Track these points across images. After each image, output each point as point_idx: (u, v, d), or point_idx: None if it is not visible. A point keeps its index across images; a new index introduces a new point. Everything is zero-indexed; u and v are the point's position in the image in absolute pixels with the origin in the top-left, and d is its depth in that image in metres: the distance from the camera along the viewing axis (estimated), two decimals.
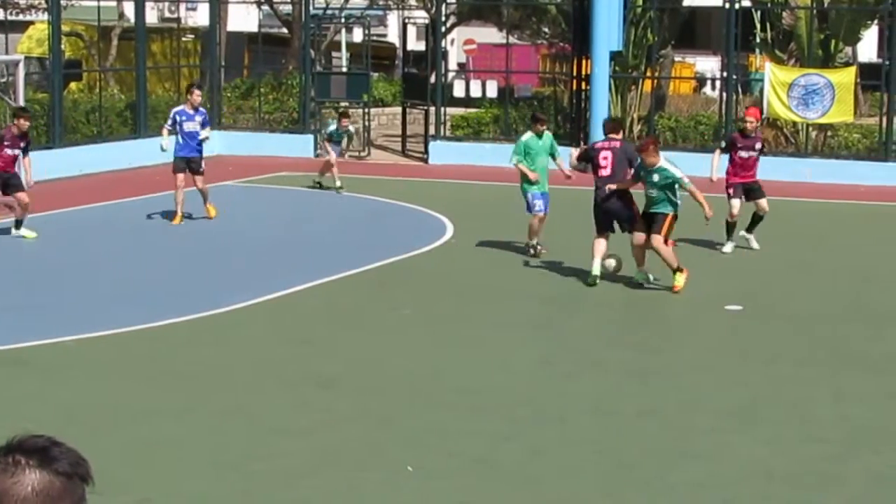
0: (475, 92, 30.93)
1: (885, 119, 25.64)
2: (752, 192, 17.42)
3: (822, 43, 27.18)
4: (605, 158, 15.27)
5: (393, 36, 48.79)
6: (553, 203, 17.05)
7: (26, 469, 2.39)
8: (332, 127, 23.42)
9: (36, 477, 2.39)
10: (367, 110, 29.13)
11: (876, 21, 29.85)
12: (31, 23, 33.58)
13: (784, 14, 28.38)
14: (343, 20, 34.25)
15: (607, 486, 8.67)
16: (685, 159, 24.55)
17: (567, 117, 27.87)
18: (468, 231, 18.75)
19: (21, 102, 19.90)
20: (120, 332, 12.57)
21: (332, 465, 8.89)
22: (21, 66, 20.25)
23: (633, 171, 15.11)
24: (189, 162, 19.10)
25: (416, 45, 32.45)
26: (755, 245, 17.34)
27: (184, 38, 33.33)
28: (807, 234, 17.74)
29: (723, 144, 18.00)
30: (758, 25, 28.99)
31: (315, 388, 10.84)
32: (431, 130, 27.92)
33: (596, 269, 14.98)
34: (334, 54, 38.29)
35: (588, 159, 15.70)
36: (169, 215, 19.39)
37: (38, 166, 21.22)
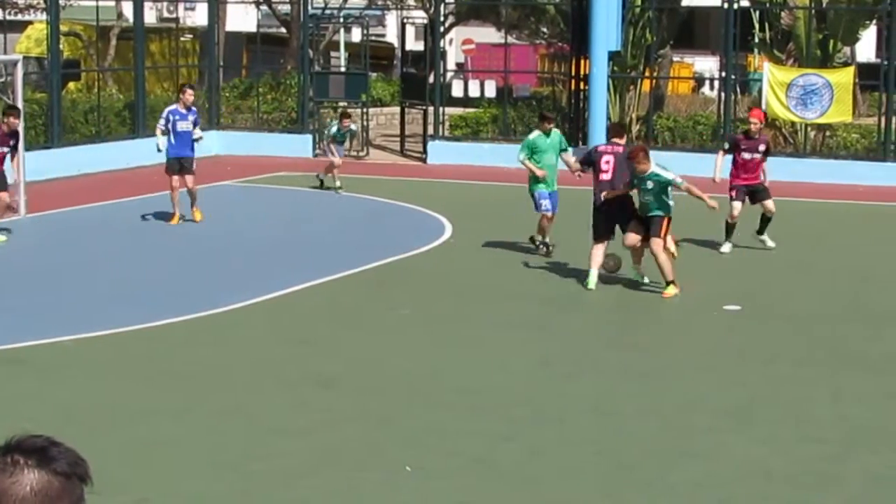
0: (474, 92, 30.94)
1: (883, 119, 25.65)
2: (756, 193, 17.41)
3: (820, 43, 27.18)
4: (608, 163, 15.17)
5: (391, 36, 48.80)
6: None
7: (25, 469, 2.39)
8: (334, 129, 23.29)
9: (35, 477, 2.39)
10: (365, 110, 29.12)
11: (874, 21, 29.86)
12: (30, 22, 33.58)
13: (783, 14, 28.38)
14: (341, 20, 34.27)
15: (606, 486, 8.67)
16: (684, 159, 24.67)
17: (565, 117, 27.85)
18: (467, 231, 18.75)
19: (19, 102, 19.87)
20: (118, 332, 12.57)
21: (331, 465, 8.89)
22: (19, 65, 20.22)
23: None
24: (181, 161, 19.03)
25: (414, 44, 32.45)
26: (770, 244, 17.32)
27: (182, 38, 33.33)
28: (805, 234, 17.74)
29: (726, 146, 17.99)
30: (756, 25, 29.00)
31: (314, 388, 10.84)
32: (430, 130, 27.91)
33: (593, 282, 14.88)
34: (333, 54, 38.30)
35: (590, 163, 15.61)
36: (166, 216, 19.37)
37: (37, 166, 21.27)
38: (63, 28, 27.83)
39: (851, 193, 23.35)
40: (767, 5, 29.01)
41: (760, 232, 17.42)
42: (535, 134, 16.98)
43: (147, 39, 29.15)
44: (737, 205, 17.29)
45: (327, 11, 31.99)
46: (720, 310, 14.04)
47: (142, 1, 27.65)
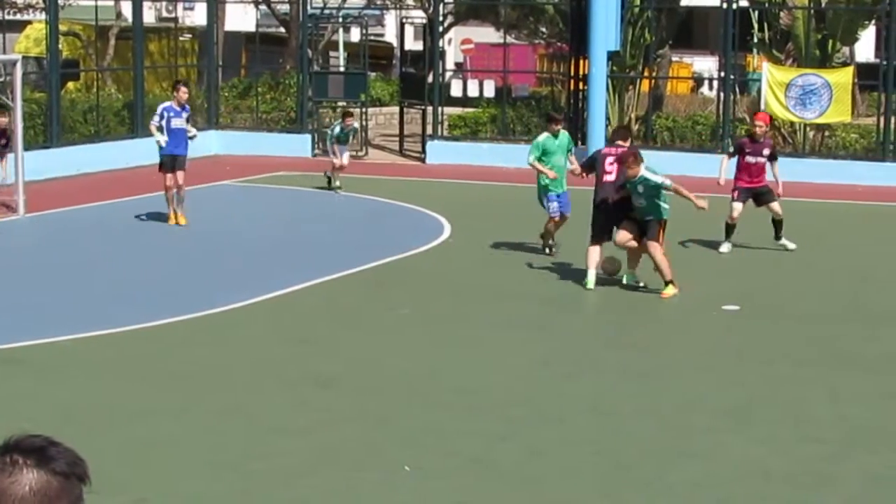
0: (472, 92, 30.92)
1: (882, 119, 25.65)
2: (760, 196, 17.43)
3: (819, 43, 27.18)
4: (612, 164, 15.12)
5: (390, 35, 48.79)
6: None
7: (24, 469, 2.39)
8: (337, 129, 23.14)
9: (33, 476, 2.39)
10: (364, 110, 29.11)
11: (873, 21, 29.85)
12: (29, 22, 33.56)
13: (781, 14, 28.37)
14: (340, 20, 34.24)
15: (605, 485, 8.68)
16: (683, 159, 24.70)
17: (564, 117, 27.83)
18: (466, 231, 18.74)
19: (18, 102, 19.86)
20: (117, 332, 12.56)
21: (331, 465, 8.90)
22: (18, 65, 20.20)
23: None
24: (175, 159, 18.96)
25: (413, 44, 32.43)
26: (791, 246, 17.31)
27: (181, 38, 33.32)
28: (804, 234, 17.73)
29: (731, 149, 18.03)
30: (755, 25, 28.99)
31: (313, 388, 10.84)
32: (429, 130, 27.91)
33: (592, 281, 14.87)
34: (332, 54, 38.29)
35: (592, 166, 15.57)
36: (165, 216, 19.34)
37: (36, 166, 21.27)
38: (62, 28, 27.81)
39: (850, 193, 23.36)
40: (766, 5, 29.00)
41: (777, 237, 17.42)
42: (543, 136, 16.81)
43: (146, 39, 29.14)
44: (737, 206, 17.31)
45: (326, 11, 31.97)
46: (719, 310, 14.04)
47: (141, 1, 27.64)
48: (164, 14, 41.66)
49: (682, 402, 10.60)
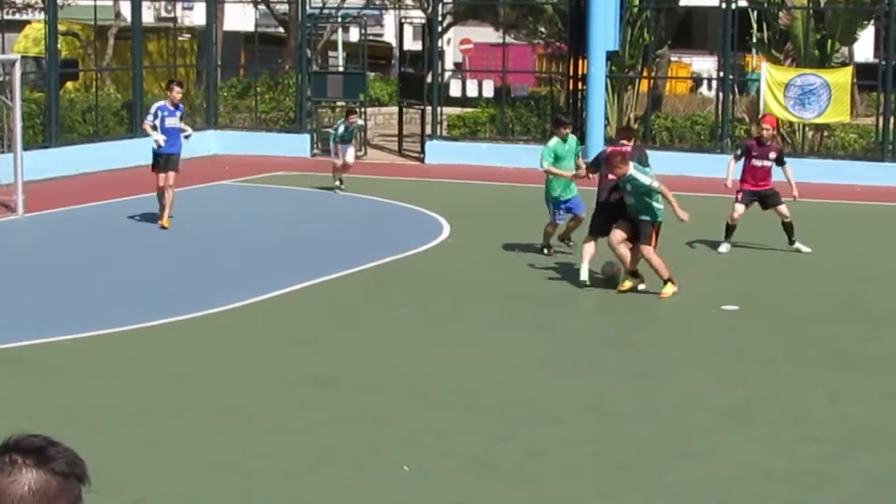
0: (471, 91, 30.91)
1: (881, 119, 25.65)
2: (766, 199, 17.43)
3: (818, 43, 27.18)
4: None
5: (389, 35, 48.79)
6: None
7: (23, 468, 2.39)
8: (342, 129, 23.03)
9: (33, 476, 2.39)
10: (363, 110, 29.09)
11: (872, 21, 29.84)
12: (28, 22, 33.55)
13: (780, 14, 28.37)
14: (340, 20, 34.23)
15: (605, 485, 8.67)
16: (682, 159, 24.72)
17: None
18: (465, 231, 18.74)
19: (17, 102, 19.85)
20: (116, 332, 12.56)
21: (330, 465, 8.89)
22: (17, 65, 20.19)
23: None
24: (168, 159, 18.88)
25: (412, 44, 32.49)
26: (806, 249, 17.29)
27: (180, 38, 33.30)
28: (803, 234, 17.71)
29: (738, 152, 18.04)
30: (754, 25, 28.99)
31: (312, 388, 10.84)
32: (428, 130, 27.90)
33: (585, 274, 14.87)
34: (331, 54, 38.27)
35: (598, 165, 15.56)
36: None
37: (35, 165, 21.25)
38: (61, 27, 27.80)
39: (849, 193, 23.36)
40: (765, 5, 29.00)
41: (791, 242, 17.40)
42: (553, 141, 16.68)
43: (145, 39, 29.13)
44: (739, 207, 17.32)
45: (325, 11, 31.96)
46: (718, 310, 14.04)
47: (139, 0, 27.62)
48: (163, 14, 41.65)
49: (682, 401, 10.60)
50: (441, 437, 9.53)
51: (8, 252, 17.27)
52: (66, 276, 15.51)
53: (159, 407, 10.18)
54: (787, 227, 17.39)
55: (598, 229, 15.08)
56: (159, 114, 18.97)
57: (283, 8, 34.16)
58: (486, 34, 39.34)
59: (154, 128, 18.86)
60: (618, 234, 14.72)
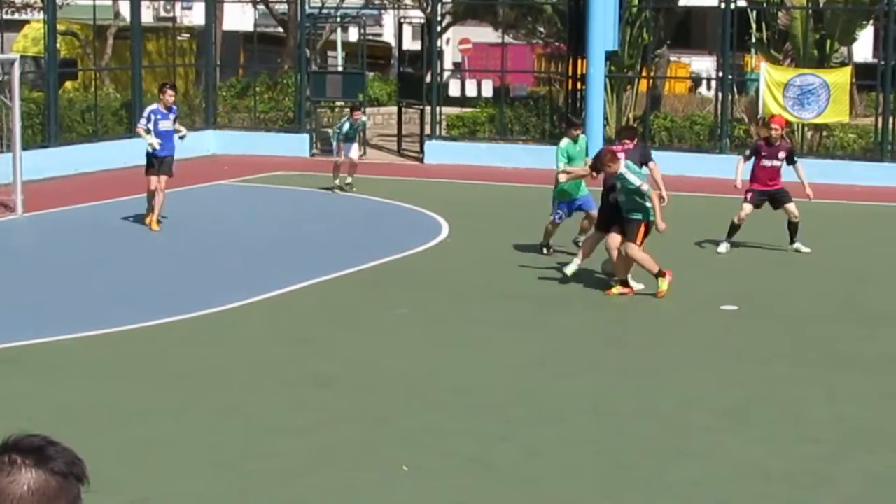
0: (471, 91, 30.92)
1: (880, 119, 25.66)
2: (776, 199, 17.43)
3: (817, 43, 27.19)
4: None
5: (389, 35, 48.78)
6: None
7: (22, 468, 2.39)
8: (346, 126, 22.99)
9: (32, 476, 2.38)
10: (362, 110, 29.07)
11: (871, 21, 29.84)
12: (27, 22, 33.55)
13: (779, 14, 28.38)
14: (339, 19, 34.22)
15: (604, 485, 8.67)
16: (681, 159, 24.71)
17: (562, 117, 27.83)
18: (464, 231, 18.74)
19: (16, 101, 19.85)
20: (115, 332, 12.55)
21: (329, 465, 8.89)
22: (17, 65, 20.19)
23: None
24: (162, 161, 18.83)
25: (411, 44, 32.51)
26: (806, 249, 17.29)
27: (179, 38, 33.29)
28: (803, 233, 17.72)
29: (747, 152, 18.06)
30: (753, 25, 29.00)
31: (311, 388, 10.84)
32: (427, 130, 27.91)
33: (571, 269, 14.95)
34: (330, 53, 38.25)
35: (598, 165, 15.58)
36: (161, 217, 19.26)
37: (34, 165, 21.26)
38: (60, 27, 27.79)
39: (848, 193, 23.35)
40: (764, 5, 29.00)
41: (792, 241, 17.39)
42: (565, 142, 16.67)
43: (144, 38, 29.13)
44: (747, 207, 17.31)
45: (324, 11, 31.95)
46: (717, 310, 14.04)
47: (138, 0, 27.61)
48: (162, 13, 41.64)
49: (682, 401, 10.60)
50: (440, 437, 9.53)
51: (7, 252, 17.26)
52: (64, 275, 15.51)
53: (158, 407, 10.17)
54: (793, 227, 17.37)
55: (601, 226, 15.15)
56: (153, 117, 18.91)
57: (283, 8, 34.15)
58: (485, 34, 39.35)
59: (148, 131, 18.79)
60: (615, 238, 14.74)
